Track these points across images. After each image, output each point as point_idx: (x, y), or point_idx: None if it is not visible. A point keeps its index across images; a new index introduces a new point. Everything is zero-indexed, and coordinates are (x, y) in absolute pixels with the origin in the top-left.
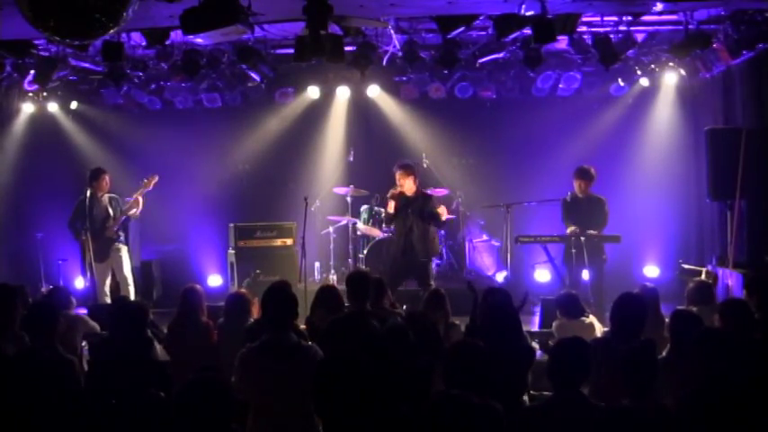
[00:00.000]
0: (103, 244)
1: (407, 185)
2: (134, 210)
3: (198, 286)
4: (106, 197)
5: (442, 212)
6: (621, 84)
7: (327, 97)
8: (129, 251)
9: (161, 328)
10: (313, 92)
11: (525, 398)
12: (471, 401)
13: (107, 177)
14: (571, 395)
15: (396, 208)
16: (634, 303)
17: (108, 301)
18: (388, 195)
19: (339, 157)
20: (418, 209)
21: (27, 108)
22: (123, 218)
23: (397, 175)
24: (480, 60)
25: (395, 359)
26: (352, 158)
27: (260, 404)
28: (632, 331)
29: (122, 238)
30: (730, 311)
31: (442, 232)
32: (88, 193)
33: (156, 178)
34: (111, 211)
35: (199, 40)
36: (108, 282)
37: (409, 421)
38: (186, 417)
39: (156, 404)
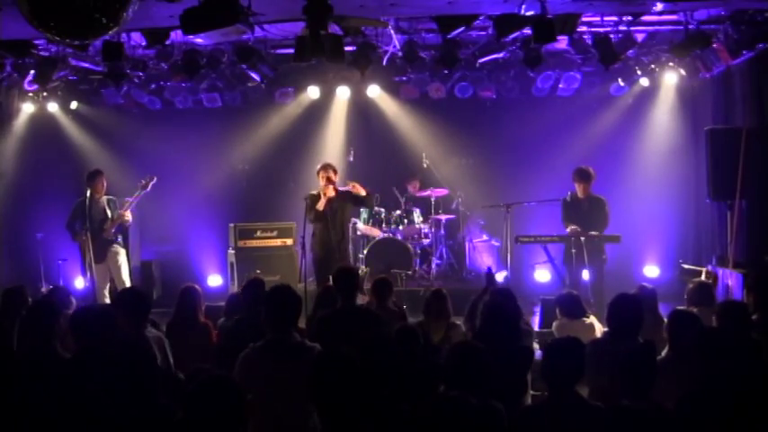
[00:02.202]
0: (101, 245)
1: (330, 187)
2: (125, 219)
3: (196, 286)
4: (104, 199)
5: (357, 188)
6: (621, 84)
7: (327, 97)
8: (127, 254)
9: (161, 327)
10: (313, 92)
11: (529, 398)
12: (470, 402)
13: (104, 179)
14: (566, 395)
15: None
16: (630, 303)
17: (108, 301)
18: (322, 192)
19: (339, 157)
20: (340, 207)
21: (27, 108)
22: (118, 224)
23: (327, 174)
24: (480, 60)
25: (403, 359)
26: (352, 158)
27: (262, 404)
28: (630, 331)
29: (120, 239)
30: (727, 313)
31: (443, 232)
32: (88, 194)
33: (154, 179)
34: (108, 212)
35: (199, 40)
36: (108, 283)
37: (409, 422)
38: (200, 416)
39: (155, 405)
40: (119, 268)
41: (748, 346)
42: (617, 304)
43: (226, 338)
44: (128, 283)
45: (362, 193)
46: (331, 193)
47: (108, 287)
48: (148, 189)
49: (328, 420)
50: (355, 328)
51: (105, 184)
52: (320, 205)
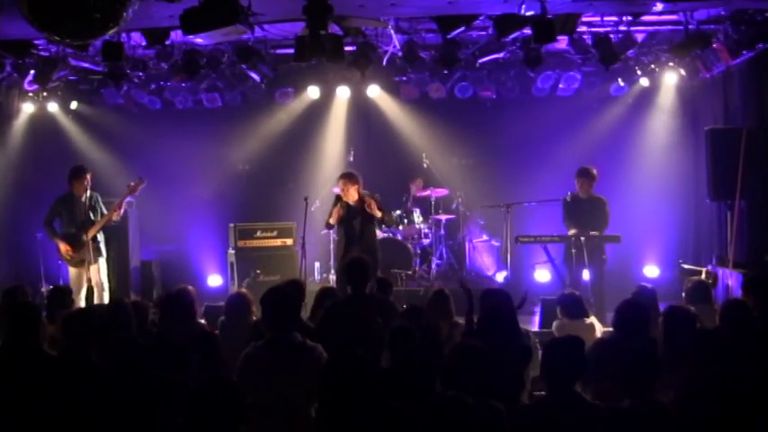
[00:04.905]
0: (81, 247)
1: (351, 194)
2: (115, 217)
3: (189, 287)
4: (86, 197)
5: (372, 208)
6: (621, 84)
7: (327, 97)
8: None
9: None
10: (313, 92)
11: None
12: (468, 403)
13: (89, 177)
14: (565, 394)
15: (339, 216)
16: (637, 309)
17: (83, 305)
18: (337, 204)
19: (339, 157)
20: (363, 215)
21: (27, 108)
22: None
23: (341, 183)
24: (480, 60)
25: (401, 358)
26: (352, 158)
27: (262, 403)
28: (636, 335)
29: (100, 240)
30: (730, 312)
31: (443, 232)
32: (77, 192)
33: (144, 183)
34: (91, 214)
35: (199, 40)
36: (84, 287)
37: (407, 421)
38: (200, 418)
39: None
40: (97, 268)
41: (748, 346)
42: (623, 311)
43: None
44: (105, 285)
45: (377, 214)
46: (351, 199)
47: (85, 291)
48: (137, 192)
49: (328, 419)
50: (365, 316)
51: (89, 182)
52: (333, 218)
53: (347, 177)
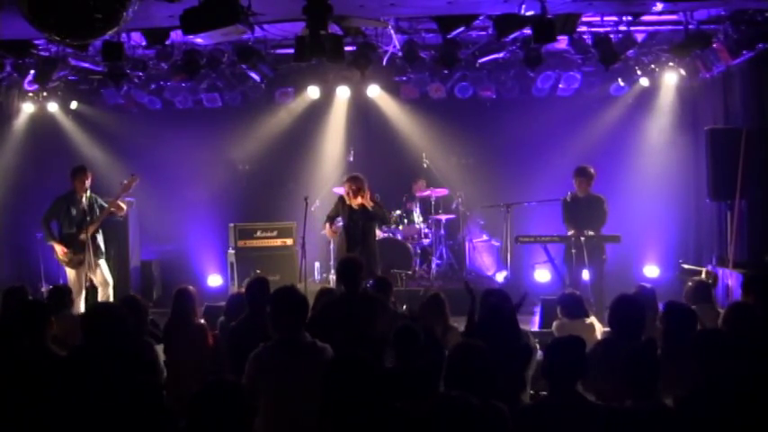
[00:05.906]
0: (79, 248)
1: (356, 199)
2: (119, 212)
3: (190, 287)
4: (86, 197)
5: (365, 198)
6: (621, 84)
7: (327, 97)
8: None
9: (161, 327)
10: (313, 92)
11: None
12: (471, 402)
13: (89, 176)
14: (566, 394)
15: (343, 213)
16: (631, 304)
17: (83, 309)
18: (339, 202)
19: (339, 157)
20: (364, 218)
21: (27, 108)
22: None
23: (347, 186)
24: (480, 60)
25: (404, 358)
26: (352, 158)
27: (272, 403)
28: (633, 332)
29: (99, 240)
30: (734, 315)
31: (443, 232)
32: (77, 192)
33: (137, 180)
34: (90, 213)
35: (199, 40)
36: (83, 290)
37: (409, 421)
38: (204, 420)
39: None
40: (101, 270)
41: (751, 347)
42: (618, 306)
43: (232, 337)
44: (110, 281)
45: (368, 204)
46: (355, 203)
47: (84, 293)
48: (130, 189)
49: (331, 419)
50: (357, 314)
51: (89, 182)
52: (329, 232)
53: (353, 181)
